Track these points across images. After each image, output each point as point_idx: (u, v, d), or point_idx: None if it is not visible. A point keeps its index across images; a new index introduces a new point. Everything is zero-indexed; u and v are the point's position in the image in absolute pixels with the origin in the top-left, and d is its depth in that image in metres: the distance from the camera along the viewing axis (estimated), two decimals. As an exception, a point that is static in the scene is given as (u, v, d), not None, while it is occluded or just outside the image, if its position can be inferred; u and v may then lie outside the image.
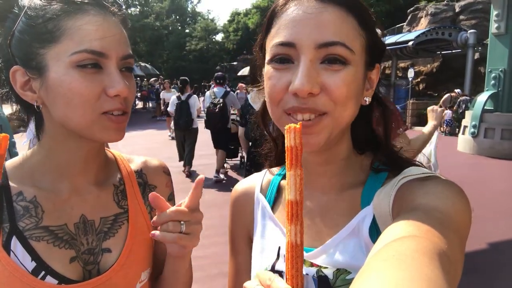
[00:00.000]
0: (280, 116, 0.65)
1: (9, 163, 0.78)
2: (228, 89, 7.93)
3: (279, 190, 0.82)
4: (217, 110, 6.74)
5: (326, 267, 0.66)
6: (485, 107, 9.71)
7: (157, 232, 0.71)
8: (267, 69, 0.66)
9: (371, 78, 0.70)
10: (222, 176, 7.07)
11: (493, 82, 9.79)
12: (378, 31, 0.69)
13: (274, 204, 0.81)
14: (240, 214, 0.86)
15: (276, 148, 0.86)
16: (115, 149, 0.92)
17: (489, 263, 3.82)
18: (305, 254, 0.69)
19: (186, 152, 7.36)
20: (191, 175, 7.30)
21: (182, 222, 0.72)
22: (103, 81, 0.69)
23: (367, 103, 0.70)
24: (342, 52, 0.60)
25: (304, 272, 0.67)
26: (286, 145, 0.51)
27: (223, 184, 6.92)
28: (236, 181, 7.40)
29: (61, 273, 0.72)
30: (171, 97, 8.89)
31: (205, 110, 7.21)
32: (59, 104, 0.70)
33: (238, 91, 11.62)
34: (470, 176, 7.27)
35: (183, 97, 7.19)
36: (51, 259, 0.71)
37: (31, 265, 0.70)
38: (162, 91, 13.91)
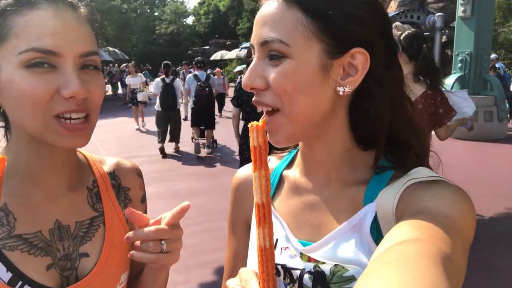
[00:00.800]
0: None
1: None
2: (209, 72, 8.88)
3: (281, 179, 0.81)
4: (207, 91, 7.55)
5: (324, 262, 0.65)
6: (451, 90, 10.02)
7: (135, 253, 0.69)
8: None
9: (352, 64, 0.63)
10: (209, 150, 8.06)
11: (459, 65, 10.09)
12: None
13: (275, 194, 0.80)
14: (240, 201, 0.86)
15: None
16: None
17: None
18: (303, 248, 0.69)
19: (173, 131, 7.95)
20: (179, 151, 8.19)
21: (162, 242, 0.70)
22: (58, 82, 0.64)
23: (342, 93, 0.63)
24: (276, 47, 0.62)
25: (301, 267, 0.68)
26: (250, 145, 0.50)
27: (197, 172, 6.88)
28: (208, 161, 7.50)
29: (39, 281, 0.69)
30: (136, 82, 10.56)
31: (194, 92, 7.71)
32: (12, 106, 0.67)
33: (215, 76, 11.72)
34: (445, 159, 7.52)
35: (167, 80, 7.76)
36: (27, 268, 0.69)
37: (6, 275, 0.67)
38: (127, 77, 11.91)
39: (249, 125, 0.50)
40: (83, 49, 0.67)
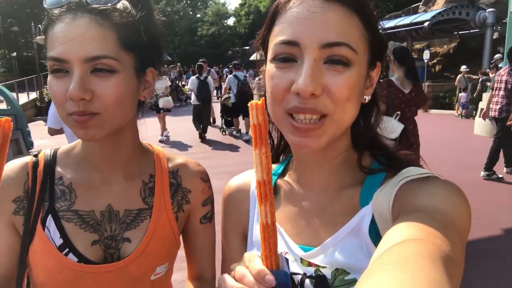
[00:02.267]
0: (281, 117, 0.64)
1: (62, 149, 0.89)
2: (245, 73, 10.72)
3: (276, 188, 0.81)
4: (246, 89, 9.31)
5: (325, 267, 0.65)
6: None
7: None
8: (269, 68, 0.65)
9: (371, 76, 0.69)
10: (248, 136, 9.60)
11: (512, 62, 9.48)
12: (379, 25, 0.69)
13: None
14: (235, 211, 0.85)
15: (272, 145, 0.86)
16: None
17: (501, 248, 3.78)
18: (303, 253, 0.69)
19: (204, 121, 9.58)
20: (205, 139, 9.69)
21: None
22: (68, 85, 0.71)
23: (367, 101, 0.69)
24: (346, 53, 0.59)
25: (302, 272, 0.67)
26: (250, 123, 0.50)
27: (232, 174, 6.95)
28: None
29: (82, 253, 0.79)
30: (159, 87, 10.15)
31: (233, 89, 9.47)
32: None
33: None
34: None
35: (201, 78, 9.28)
36: (75, 239, 0.80)
37: (59, 241, 0.79)
38: None
39: (248, 104, 0.50)
40: (90, 53, 0.70)
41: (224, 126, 10.38)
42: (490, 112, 6.13)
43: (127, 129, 0.83)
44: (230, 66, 10.87)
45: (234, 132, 10.08)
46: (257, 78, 10.47)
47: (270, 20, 0.67)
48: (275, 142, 0.85)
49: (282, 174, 0.82)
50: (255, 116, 0.50)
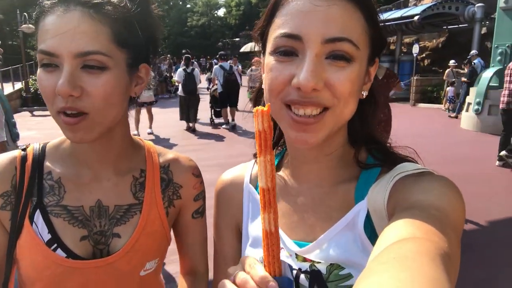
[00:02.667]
0: (279, 109, 0.63)
1: (50, 144, 0.87)
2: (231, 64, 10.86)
3: None
4: (233, 78, 9.90)
5: (320, 262, 0.66)
6: (490, 84, 9.57)
7: None
8: (269, 60, 0.63)
9: (369, 71, 0.69)
10: (233, 123, 10.19)
11: (499, 58, 9.61)
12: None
13: None
14: (228, 205, 0.84)
15: None
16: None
17: (487, 240, 3.87)
18: (298, 249, 0.69)
19: (192, 112, 9.75)
20: (195, 131, 9.83)
21: None
22: (57, 80, 0.68)
23: (364, 96, 0.69)
24: (348, 49, 0.59)
25: (296, 267, 0.68)
26: (255, 129, 0.49)
27: (223, 167, 6.96)
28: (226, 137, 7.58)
29: (71, 248, 0.79)
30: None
31: (220, 80, 9.87)
32: None
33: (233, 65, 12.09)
34: (472, 153, 7.27)
35: (188, 70, 9.47)
36: (64, 235, 0.79)
37: (47, 236, 0.78)
38: None
39: (254, 110, 0.49)
40: (81, 48, 0.67)
41: (214, 117, 10.73)
42: (500, 104, 6.25)
43: (117, 125, 0.81)
44: (217, 57, 11.02)
45: (224, 125, 10.35)
46: (249, 70, 10.65)
47: (271, 12, 0.65)
48: None
49: (277, 167, 0.81)
50: (260, 122, 0.49)
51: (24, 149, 0.84)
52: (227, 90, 9.85)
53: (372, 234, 0.63)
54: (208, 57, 31.70)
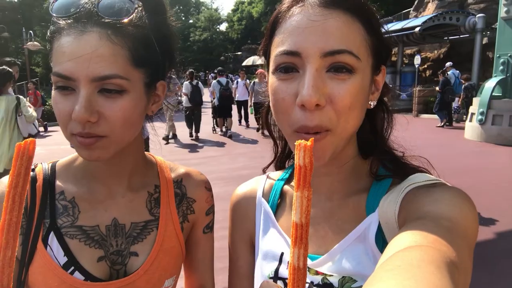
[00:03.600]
0: (290, 135, 0.63)
1: (60, 162, 0.84)
2: (228, 79, 12.08)
3: (282, 195, 0.80)
4: (228, 93, 11.02)
5: (332, 275, 0.65)
6: (493, 94, 9.56)
7: None
8: (272, 81, 0.63)
9: (376, 80, 0.68)
10: (230, 133, 11.16)
11: (501, 67, 9.63)
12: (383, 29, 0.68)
13: (276, 210, 0.80)
14: (242, 219, 0.85)
15: (277, 149, 0.85)
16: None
17: (496, 252, 3.80)
18: (310, 262, 0.68)
19: (196, 122, 10.77)
20: (198, 139, 10.74)
21: None
22: (74, 104, 0.66)
23: (372, 106, 0.68)
24: (348, 60, 0.58)
25: (309, 280, 0.67)
26: (295, 163, 0.48)
27: (225, 176, 6.95)
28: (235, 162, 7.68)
29: (89, 270, 0.75)
30: None
31: (218, 94, 10.99)
32: None
33: (239, 79, 12.43)
34: (477, 164, 7.21)
35: (193, 83, 10.42)
36: (81, 257, 0.76)
37: (63, 259, 0.75)
38: None
39: (296, 143, 0.48)
40: (98, 73, 0.64)
41: (216, 126, 12.01)
42: None
43: (132, 141, 0.79)
44: (215, 72, 12.33)
45: (219, 132, 11.65)
46: (251, 83, 11.39)
47: (271, 30, 0.65)
48: (280, 148, 0.85)
49: (288, 180, 0.81)
50: (302, 157, 0.47)
51: (32, 170, 0.80)
52: (222, 103, 10.98)
53: (383, 247, 0.61)
54: (207, 71, 32.23)
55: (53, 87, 0.69)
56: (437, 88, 12.22)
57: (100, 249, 0.78)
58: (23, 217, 0.75)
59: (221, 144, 10.25)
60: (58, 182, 0.80)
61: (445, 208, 0.55)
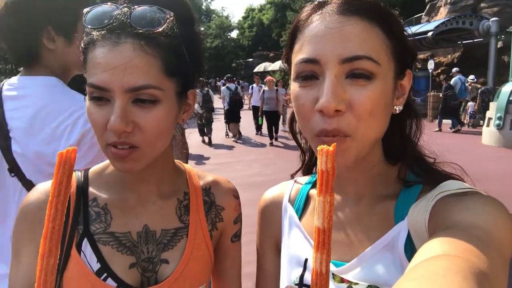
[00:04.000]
0: (311, 139, 0.64)
1: (92, 170, 0.85)
2: (237, 85, 12.78)
3: (308, 198, 0.81)
4: (238, 98, 11.61)
5: (357, 283, 0.64)
6: (510, 98, 9.40)
7: None
8: (293, 88, 0.64)
9: (402, 85, 0.67)
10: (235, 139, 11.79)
11: (518, 71, 9.47)
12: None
13: (302, 213, 0.80)
14: (268, 223, 0.86)
15: (304, 157, 0.85)
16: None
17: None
18: (335, 268, 0.67)
19: (207, 127, 11.18)
20: (211, 143, 11.24)
21: None
22: (109, 114, 0.67)
23: (398, 112, 0.67)
24: (367, 66, 0.58)
25: None
26: (318, 168, 0.49)
27: (239, 183, 6.96)
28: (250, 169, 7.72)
29: (121, 277, 0.76)
30: None
31: (228, 98, 11.50)
32: None
33: (265, 87, 11.73)
34: (496, 170, 7.07)
35: (204, 91, 10.80)
36: (113, 263, 0.76)
37: (96, 266, 0.75)
38: None
39: (318, 148, 0.49)
40: (133, 83, 0.65)
41: (228, 131, 12.30)
42: None
43: None
44: (225, 79, 12.94)
45: (232, 138, 11.99)
46: (261, 91, 11.68)
47: (291, 38, 0.66)
48: (307, 155, 0.85)
49: (315, 184, 0.80)
50: (324, 162, 0.48)
51: None
52: (232, 108, 11.46)
53: (412, 256, 0.59)
54: (217, 78, 32.84)
55: (87, 98, 0.70)
56: (440, 94, 12.31)
57: (132, 255, 0.78)
58: None
59: (233, 150, 10.46)
60: (91, 189, 0.81)
61: (477, 217, 0.53)
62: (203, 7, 53.97)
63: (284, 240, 0.80)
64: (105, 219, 0.79)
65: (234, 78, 12.89)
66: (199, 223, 0.86)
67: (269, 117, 11.12)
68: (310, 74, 0.61)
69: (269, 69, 29.52)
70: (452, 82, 12.48)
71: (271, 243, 0.85)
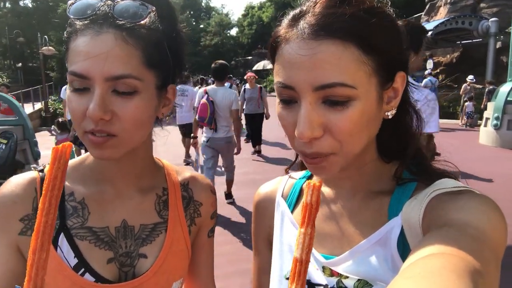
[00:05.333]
0: (298, 152, 0.66)
1: (69, 163, 0.83)
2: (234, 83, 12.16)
3: (302, 192, 0.81)
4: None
5: (347, 277, 0.64)
6: (508, 98, 9.42)
7: None
8: (277, 106, 0.65)
9: (394, 88, 0.64)
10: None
11: (516, 72, 9.48)
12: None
13: (295, 207, 0.81)
14: (262, 217, 0.87)
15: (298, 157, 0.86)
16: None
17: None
18: (325, 261, 0.68)
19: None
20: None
21: None
22: (88, 103, 0.67)
23: (390, 117, 0.66)
24: (341, 92, 0.56)
25: (324, 282, 0.67)
26: (303, 201, 0.50)
27: (236, 180, 6.96)
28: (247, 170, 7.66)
29: (99, 272, 0.76)
30: None
31: None
32: None
33: (247, 86, 9.86)
34: (493, 170, 7.09)
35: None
36: (91, 258, 0.76)
37: (73, 261, 0.75)
38: None
39: (305, 184, 0.50)
40: (113, 72, 0.66)
41: None
42: None
43: (142, 143, 0.81)
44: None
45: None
46: (241, 90, 10.83)
47: (271, 53, 0.65)
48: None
49: (309, 178, 0.82)
50: (310, 196, 0.49)
51: (41, 170, 0.81)
52: None
53: (405, 252, 0.60)
54: (209, 75, 32.94)
55: (68, 86, 0.71)
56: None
57: (110, 250, 0.79)
58: (33, 217, 0.75)
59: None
60: (67, 183, 0.80)
61: (471, 216, 0.53)
62: (203, 4, 53.87)
63: (276, 234, 0.81)
64: (82, 213, 0.78)
65: (232, 76, 12.57)
66: (178, 218, 0.87)
67: (251, 121, 9.28)
68: (289, 99, 0.61)
69: (268, 67, 29.47)
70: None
71: (264, 237, 0.87)
